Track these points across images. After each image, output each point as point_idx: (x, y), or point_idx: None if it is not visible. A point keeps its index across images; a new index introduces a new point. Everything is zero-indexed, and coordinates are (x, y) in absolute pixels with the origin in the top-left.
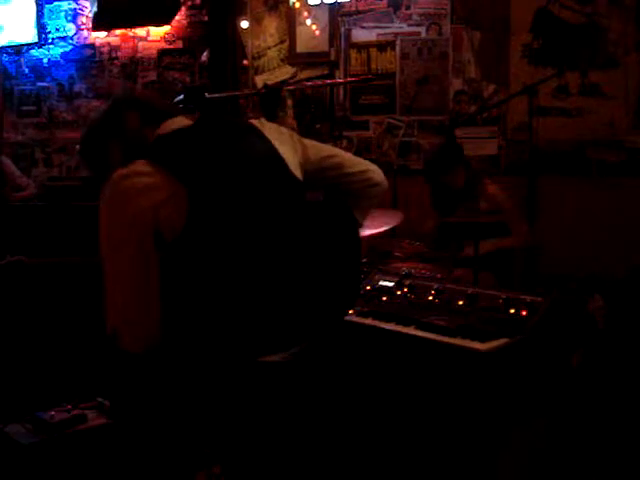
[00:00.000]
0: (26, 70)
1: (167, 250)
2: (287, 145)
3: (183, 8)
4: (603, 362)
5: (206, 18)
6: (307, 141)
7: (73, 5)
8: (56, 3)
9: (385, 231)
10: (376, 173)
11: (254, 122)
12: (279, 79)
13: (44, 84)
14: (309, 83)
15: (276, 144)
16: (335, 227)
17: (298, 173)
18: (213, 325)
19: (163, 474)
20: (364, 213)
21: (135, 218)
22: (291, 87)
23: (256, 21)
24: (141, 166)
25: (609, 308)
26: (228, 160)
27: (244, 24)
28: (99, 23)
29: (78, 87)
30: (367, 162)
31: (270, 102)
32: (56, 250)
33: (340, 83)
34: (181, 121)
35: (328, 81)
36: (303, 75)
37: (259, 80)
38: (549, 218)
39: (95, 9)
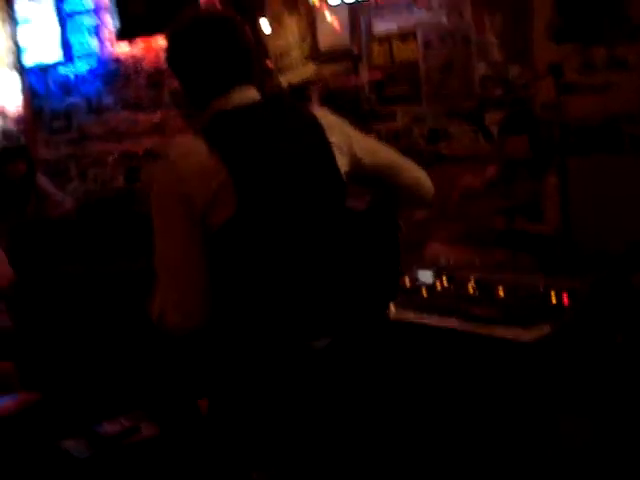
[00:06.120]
0: (54, 88)
1: (213, 238)
2: (343, 146)
3: None
4: None
5: None
6: (369, 144)
7: (95, 20)
8: (78, 19)
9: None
10: (428, 180)
11: (317, 112)
12: (303, 77)
13: (73, 100)
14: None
15: (333, 141)
16: (377, 231)
17: (344, 173)
18: (258, 311)
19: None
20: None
21: (185, 200)
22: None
23: (276, 21)
24: (199, 145)
25: None
26: (282, 156)
27: (265, 25)
28: (121, 35)
29: (106, 100)
30: (419, 168)
31: (300, 97)
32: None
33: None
34: (247, 94)
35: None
36: (326, 71)
37: (283, 80)
38: (583, 197)
39: (117, 22)
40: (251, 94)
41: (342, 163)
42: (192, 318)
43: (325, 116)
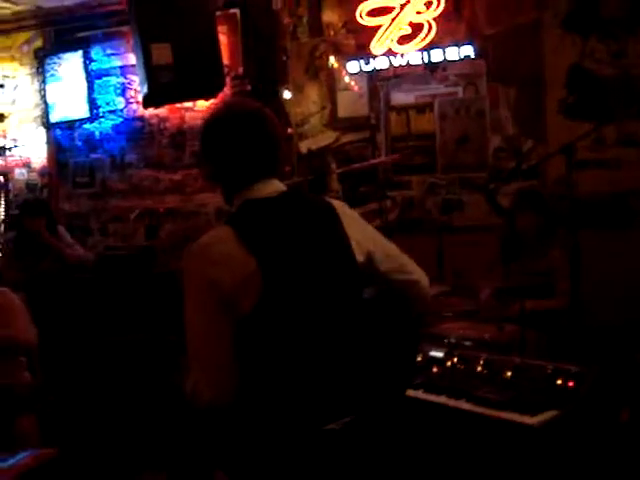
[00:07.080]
0: (79, 143)
1: (241, 323)
2: (359, 238)
3: (227, 78)
4: None
5: (249, 87)
6: (381, 240)
7: (122, 79)
8: (105, 78)
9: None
10: (427, 285)
11: (335, 204)
12: (322, 144)
13: (97, 156)
14: (356, 165)
15: (350, 233)
16: (392, 315)
17: (359, 263)
18: (280, 392)
19: None
20: None
21: (214, 286)
22: (339, 170)
23: (298, 89)
24: (228, 234)
25: None
26: (304, 248)
27: (286, 93)
28: (149, 102)
29: (129, 158)
30: (421, 271)
31: (318, 186)
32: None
33: (378, 163)
34: (271, 187)
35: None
36: (345, 139)
37: (303, 146)
38: (593, 271)
39: (145, 90)
40: (275, 187)
41: (357, 253)
42: (224, 394)
43: (342, 208)
